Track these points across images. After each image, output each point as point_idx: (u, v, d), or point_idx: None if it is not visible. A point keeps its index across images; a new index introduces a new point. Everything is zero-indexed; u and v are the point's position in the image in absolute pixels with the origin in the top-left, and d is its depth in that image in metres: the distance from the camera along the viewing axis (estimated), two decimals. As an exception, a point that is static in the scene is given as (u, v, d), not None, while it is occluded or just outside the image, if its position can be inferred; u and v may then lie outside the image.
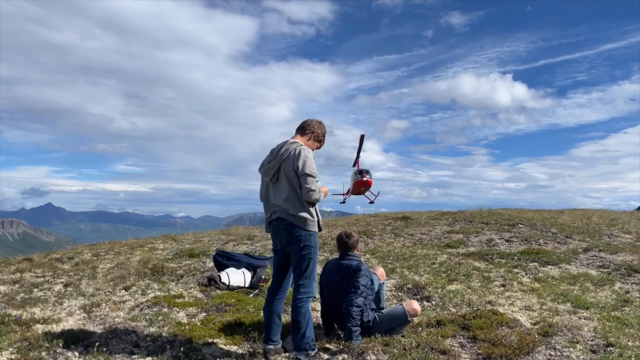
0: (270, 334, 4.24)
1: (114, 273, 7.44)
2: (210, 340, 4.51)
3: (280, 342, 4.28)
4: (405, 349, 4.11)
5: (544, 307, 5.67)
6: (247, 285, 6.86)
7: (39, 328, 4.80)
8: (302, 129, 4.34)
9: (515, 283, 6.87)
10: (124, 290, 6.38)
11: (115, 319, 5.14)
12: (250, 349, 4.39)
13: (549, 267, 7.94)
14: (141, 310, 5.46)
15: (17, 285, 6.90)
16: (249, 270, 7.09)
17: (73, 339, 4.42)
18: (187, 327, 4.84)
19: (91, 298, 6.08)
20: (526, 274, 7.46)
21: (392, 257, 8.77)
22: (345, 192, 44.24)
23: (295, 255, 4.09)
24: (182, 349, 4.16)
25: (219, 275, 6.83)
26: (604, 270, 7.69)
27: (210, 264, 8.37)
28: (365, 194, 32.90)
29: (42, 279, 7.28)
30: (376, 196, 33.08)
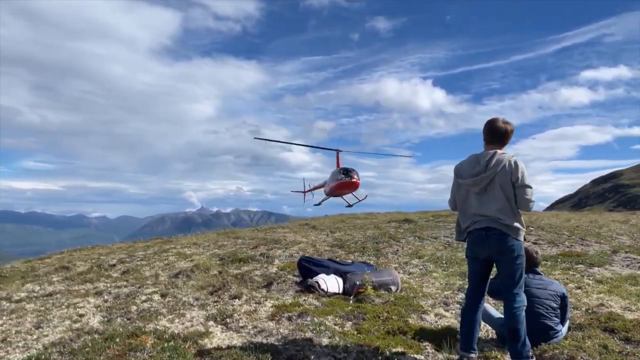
0: (472, 341, 4.29)
1: (200, 281, 7.08)
2: (396, 350, 4.48)
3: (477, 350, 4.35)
4: (601, 354, 4.33)
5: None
6: (341, 291, 6.81)
7: (204, 344, 4.53)
8: (500, 137, 4.35)
9: (584, 285, 7.32)
10: (236, 299, 6.11)
11: (272, 330, 4.94)
12: (445, 358, 4.41)
13: (596, 268, 8.50)
14: (289, 319, 5.28)
15: (106, 296, 6.41)
16: (338, 276, 7.04)
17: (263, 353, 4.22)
18: (361, 336, 4.77)
19: (207, 308, 5.78)
20: (583, 276, 7.96)
21: (445, 261, 9.01)
22: (305, 189, 43.58)
23: (508, 265, 4.16)
24: (374, 357, 4.13)
25: (317, 282, 6.73)
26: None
27: (272, 269, 8.21)
28: (345, 196, 32.64)
29: (128, 289, 6.79)
30: (360, 200, 33.02)
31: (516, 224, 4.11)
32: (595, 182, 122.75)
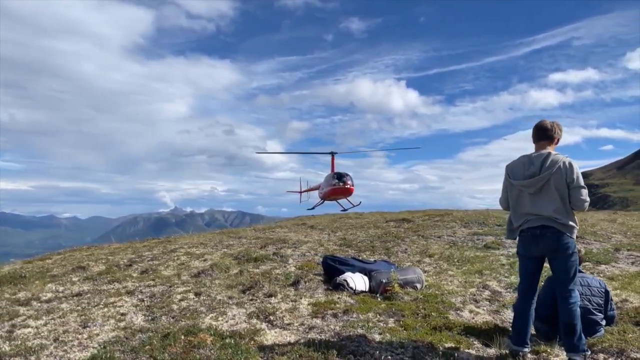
0: (526, 336, 4.45)
1: (226, 280, 7.11)
2: (448, 345, 4.61)
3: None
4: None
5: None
6: (367, 289, 6.92)
7: (261, 341, 4.60)
8: (550, 138, 4.48)
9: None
10: (271, 298, 6.16)
11: (323, 327, 5.02)
12: (496, 353, 4.55)
13: (603, 266, 8.82)
14: (334, 316, 5.36)
15: (140, 295, 6.39)
16: (363, 274, 7.15)
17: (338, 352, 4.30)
18: (408, 332, 4.90)
19: (245, 307, 5.82)
20: (593, 273, 8.23)
21: (456, 260, 9.22)
22: (301, 189, 43.54)
23: (563, 262, 4.32)
24: (437, 355, 4.27)
25: (346, 280, 6.83)
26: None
27: (290, 267, 8.28)
28: (340, 200, 32.75)
29: (159, 288, 6.77)
30: (355, 205, 33.10)
31: (571, 223, 4.28)
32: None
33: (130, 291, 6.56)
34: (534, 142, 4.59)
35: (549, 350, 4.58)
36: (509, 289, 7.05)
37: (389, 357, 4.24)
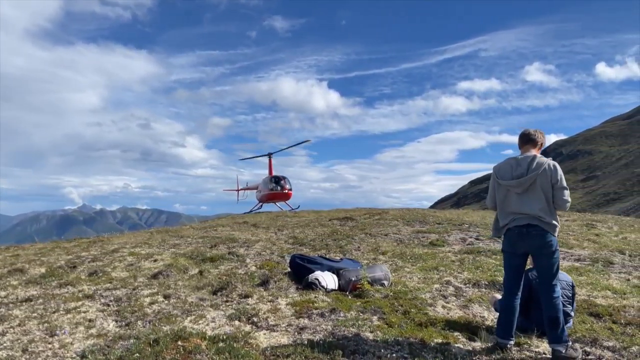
0: (511, 330, 4.66)
1: (192, 281, 6.77)
2: (437, 341, 4.71)
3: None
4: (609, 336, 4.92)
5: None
6: (337, 287, 6.92)
7: (255, 343, 4.43)
8: (534, 142, 4.77)
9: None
10: (247, 298, 5.97)
11: (315, 327, 4.93)
12: (483, 346, 4.71)
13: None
14: (321, 316, 5.28)
15: (103, 299, 5.92)
16: (332, 272, 7.14)
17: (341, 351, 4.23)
18: (396, 329, 4.94)
19: (221, 308, 5.59)
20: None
21: (409, 257, 9.44)
22: (238, 187, 42.90)
23: (546, 259, 4.56)
24: (432, 350, 4.36)
25: (317, 279, 6.78)
26: (585, 263, 9.43)
27: (251, 267, 8.10)
28: (279, 203, 32.48)
29: (121, 291, 6.30)
30: (293, 209, 32.89)
31: (554, 222, 4.54)
32: (473, 183, 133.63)
33: (89, 295, 6.09)
34: (520, 147, 4.87)
35: (529, 342, 4.82)
36: (468, 285, 7.32)
37: (393, 355, 4.26)
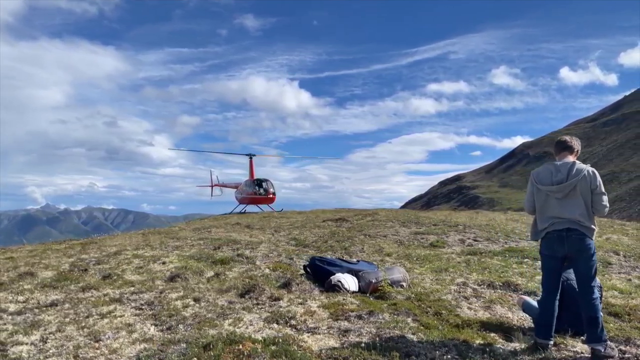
0: (551, 330, 4.81)
1: (215, 284, 6.71)
2: (479, 342, 4.82)
3: None
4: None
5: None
6: (357, 289, 6.98)
7: (306, 346, 4.45)
8: (571, 149, 4.96)
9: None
10: (279, 301, 5.97)
11: (359, 329, 4.97)
12: (522, 346, 4.83)
13: (540, 262, 9.69)
14: (359, 318, 5.33)
15: (133, 303, 5.82)
16: (351, 275, 7.20)
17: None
18: (435, 331, 5.03)
19: (254, 311, 5.58)
20: (536, 269, 9.04)
21: (415, 258, 9.58)
22: (212, 183, 42.61)
23: (585, 262, 4.72)
24: (478, 351, 4.47)
25: (340, 282, 6.83)
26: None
27: (264, 269, 8.08)
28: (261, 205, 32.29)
29: (148, 294, 6.19)
30: (276, 211, 32.68)
31: (593, 226, 4.72)
32: (442, 184, 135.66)
33: (116, 299, 5.97)
34: (556, 154, 5.05)
35: (564, 342, 4.98)
36: (482, 286, 7.48)
37: (444, 356, 4.34)
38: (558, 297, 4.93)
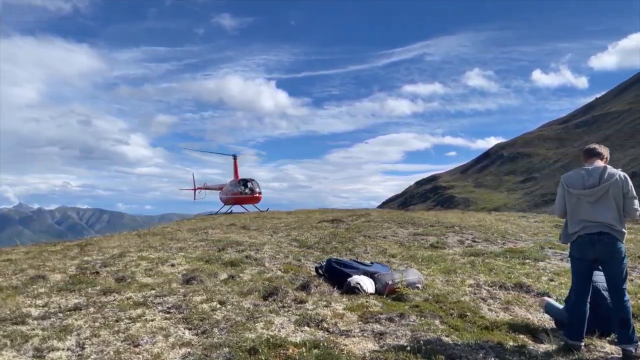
0: (582, 331, 4.94)
1: (234, 286, 6.68)
2: (512, 344, 4.91)
3: None
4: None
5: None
6: (374, 291, 7.03)
7: (346, 350, 4.48)
8: (600, 155, 5.12)
9: (552, 277, 8.51)
10: (304, 303, 5.99)
11: (394, 332, 5.01)
12: (554, 347, 4.94)
13: (541, 263, 9.87)
14: (390, 320, 5.37)
15: (160, 306, 5.75)
16: (367, 276, 7.24)
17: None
18: (467, 333, 5.11)
19: (281, 313, 5.58)
20: (538, 270, 9.19)
21: (420, 259, 9.68)
22: (195, 186, 42.32)
23: (616, 264, 4.86)
24: (514, 353, 4.56)
25: (359, 284, 6.87)
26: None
27: (276, 271, 8.06)
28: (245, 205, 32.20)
29: (173, 298, 6.13)
30: (262, 211, 32.64)
31: (624, 230, 4.86)
32: (419, 184, 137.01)
33: (141, 303, 5.90)
34: (585, 160, 5.20)
35: (593, 343, 5.11)
36: (494, 287, 7.60)
37: (487, 359, 4.42)
38: (589, 299, 5.06)
